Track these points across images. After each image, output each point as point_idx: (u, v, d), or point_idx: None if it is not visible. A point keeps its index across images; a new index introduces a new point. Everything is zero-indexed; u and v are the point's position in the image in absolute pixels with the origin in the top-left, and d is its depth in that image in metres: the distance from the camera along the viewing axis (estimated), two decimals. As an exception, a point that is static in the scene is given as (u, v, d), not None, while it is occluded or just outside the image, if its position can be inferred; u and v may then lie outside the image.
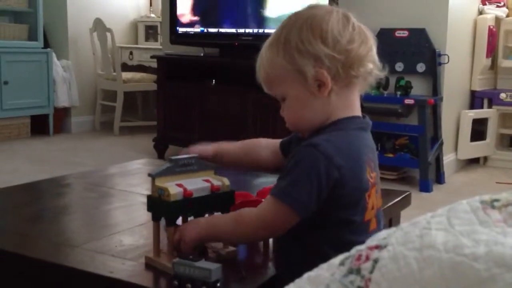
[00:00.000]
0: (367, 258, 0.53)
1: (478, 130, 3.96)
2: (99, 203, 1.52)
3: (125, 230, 1.26)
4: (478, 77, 4.02)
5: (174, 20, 4.07)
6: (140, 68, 5.48)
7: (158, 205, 1.04)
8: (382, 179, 1.09)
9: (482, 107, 4.04)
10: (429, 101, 3.34)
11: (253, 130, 3.65)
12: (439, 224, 0.52)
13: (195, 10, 4.02)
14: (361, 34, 1.01)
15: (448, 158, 3.72)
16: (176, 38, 4.09)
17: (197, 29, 4.00)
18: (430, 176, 3.39)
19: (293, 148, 1.07)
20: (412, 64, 3.47)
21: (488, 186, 3.48)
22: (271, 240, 1.19)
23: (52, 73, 4.92)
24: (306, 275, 0.57)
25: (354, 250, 0.56)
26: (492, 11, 4.03)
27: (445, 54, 3.44)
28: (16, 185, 1.73)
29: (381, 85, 3.43)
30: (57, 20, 5.16)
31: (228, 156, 1.20)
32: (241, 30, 3.83)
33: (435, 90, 3.47)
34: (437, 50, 3.42)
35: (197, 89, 3.89)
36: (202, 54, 4.11)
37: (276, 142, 1.20)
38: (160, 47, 4.92)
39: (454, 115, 3.84)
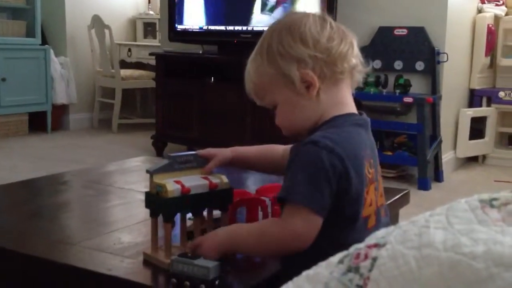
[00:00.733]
0: (366, 257, 0.53)
1: (477, 129, 3.96)
2: (98, 200, 1.52)
3: (124, 227, 1.26)
4: (477, 75, 4.02)
5: (172, 17, 4.06)
6: (138, 65, 5.47)
7: (156, 201, 1.04)
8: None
9: (481, 106, 4.04)
10: (428, 100, 3.34)
11: (251, 127, 3.65)
12: (438, 223, 0.52)
13: (194, 7, 4.01)
14: (339, 33, 1.03)
15: (446, 157, 3.72)
16: (175, 36, 4.08)
17: (196, 26, 4.00)
18: (429, 174, 3.39)
19: None
20: (411, 62, 3.47)
21: (487, 185, 3.49)
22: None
23: (50, 70, 4.91)
24: (304, 273, 0.57)
25: (353, 249, 0.56)
26: (491, 10, 4.03)
27: (444, 53, 3.44)
28: (14, 182, 1.73)
29: (380, 83, 3.43)
30: (55, 16, 5.15)
31: (245, 159, 1.20)
32: (240, 28, 3.82)
33: (434, 88, 3.47)
34: (436, 49, 3.42)
35: (196, 86, 3.89)
36: (200, 52, 4.10)
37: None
38: (159, 44, 4.91)
39: (453, 113, 3.84)
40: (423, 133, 3.34)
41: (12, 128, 4.76)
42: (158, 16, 5.13)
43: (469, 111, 3.93)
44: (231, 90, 3.74)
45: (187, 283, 0.93)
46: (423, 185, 3.34)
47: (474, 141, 3.94)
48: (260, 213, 1.24)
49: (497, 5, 4.09)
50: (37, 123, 4.89)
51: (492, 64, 4.19)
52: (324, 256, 0.61)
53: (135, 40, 5.78)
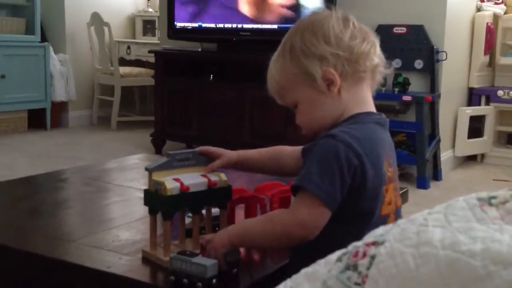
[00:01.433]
0: (364, 255, 0.53)
1: (476, 127, 3.96)
2: (96, 198, 1.52)
3: (122, 225, 1.26)
4: (476, 74, 4.02)
5: (171, 15, 4.06)
6: (137, 62, 5.47)
7: (154, 199, 1.04)
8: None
9: (479, 104, 4.04)
10: (427, 98, 3.34)
11: (250, 125, 3.65)
12: (436, 221, 0.52)
13: (193, 5, 4.01)
14: (362, 32, 1.04)
15: (445, 155, 3.72)
16: (174, 33, 4.08)
17: (195, 24, 3.99)
18: (427, 173, 3.39)
19: None
20: (410, 60, 3.47)
21: (485, 183, 3.49)
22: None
23: (50, 67, 4.91)
24: (303, 271, 0.57)
25: (351, 246, 0.56)
26: (490, 8, 4.03)
27: (443, 51, 3.44)
28: (13, 179, 1.73)
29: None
30: (55, 14, 5.15)
31: (251, 162, 1.20)
32: (239, 26, 3.82)
33: (433, 87, 3.48)
34: (435, 47, 3.42)
35: (195, 84, 3.89)
36: (200, 49, 4.10)
37: (299, 148, 1.19)
38: (158, 42, 4.91)
39: (452, 112, 3.84)
40: (422, 132, 3.34)
41: (11, 125, 4.76)
42: (157, 14, 5.12)
43: (468, 109, 3.93)
44: (230, 87, 3.74)
45: (185, 280, 0.94)
46: (422, 184, 3.34)
47: (473, 140, 3.94)
48: (259, 211, 1.24)
49: (496, 3, 4.09)
50: (36, 120, 4.89)
51: (491, 63, 4.19)
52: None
53: (134, 37, 5.77)
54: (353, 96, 1.03)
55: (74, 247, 1.13)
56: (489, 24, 3.99)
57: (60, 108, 5.11)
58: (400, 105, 3.41)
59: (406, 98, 3.37)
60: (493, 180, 3.59)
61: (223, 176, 1.10)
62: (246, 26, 3.80)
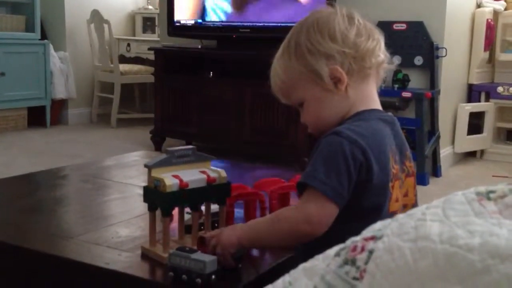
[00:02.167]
0: (363, 249, 0.53)
1: (475, 124, 3.96)
2: (96, 194, 1.52)
3: (122, 221, 1.26)
4: (476, 70, 4.02)
5: (171, 12, 4.05)
6: (137, 60, 5.46)
7: (153, 195, 1.04)
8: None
9: (479, 101, 4.04)
10: (427, 94, 3.34)
11: (250, 122, 3.64)
12: (434, 215, 0.52)
13: (193, 2, 4.00)
14: (367, 29, 1.04)
15: (445, 152, 3.72)
16: (174, 30, 4.07)
17: (195, 21, 3.99)
18: (427, 169, 3.39)
19: None
20: (409, 57, 3.47)
21: (485, 180, 3.49)
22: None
23: (49, 65, 4.90)
24: (301, 266, 0.57)
25: (350, 241, 0.56)
26: (490, 5, 4.02)
27: (442, 47, 3.44)
28: (13, 177, 1.73)
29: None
30: (55, 11, 5.14)
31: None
32: (239, 23, 3.82)
33: (433, 83, 3.47)
34: (435, 43, 3.42)
35: (195, 81, 3.89)
36: (200, 47, 4.09)
37: None
38: (158, 39, 4.90)
39: (451, 108, 3.84)
40: (421, 128, 3.34)
41: (11, 122, 4.76)
42: (157, 11, 5.11)
43: (467, 106, 3.93)
44: (230, 85, 3.73)
45: (185, 277, 0.94)
46: (421, 180, 3.34)
47: (472, 136, 3.94)
48: (258, 207, 1.24)
49: (496, 0, 4.09)
50: (36, 117, 4.89)
51: (491, 59, 4.19)
52: None
53: (134, 35, 5.77)
54: (359, 93, 1.03)
55: (74, 244, 1.13)
56: (489, 20, 3.98)
57: (60, 105, 5.11)
58: (400, 102, 3.41)
59: (406, 94, 3.36)
60: (493, 176, 3.59)
61: (222, 173, 1.10)
62: (246, 23, 3.80)
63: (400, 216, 0.56)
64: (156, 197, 1.04)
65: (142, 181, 1.50)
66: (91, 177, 1.65)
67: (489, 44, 4.04)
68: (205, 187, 1.07)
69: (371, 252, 0.52)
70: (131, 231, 1.20)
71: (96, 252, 1.09)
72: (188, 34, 4.07)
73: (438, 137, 3.55)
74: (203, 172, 1.08)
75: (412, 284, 0.47)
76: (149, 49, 4.23)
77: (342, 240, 0.91)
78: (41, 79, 4.85)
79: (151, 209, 1.07)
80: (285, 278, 0.57)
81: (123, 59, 5.40)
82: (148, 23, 5.74)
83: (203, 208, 1.12)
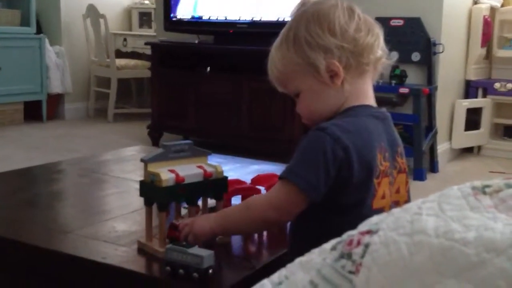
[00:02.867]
0: (359, 243, 0.53)
1: (473, 120, 3.97)
2: (93, 189, 1.52)
3: (119, 216, 1.26)
4: (473, 66, 4.02)
5: (168, 6, 4.04)
6: (134, 55, 5.45)
7: (150, 190, 1.04)
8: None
9: (476, 97, 4.04)
10: (424, 90, 3.34)
11: (247, 117, 3.64)
12: (430, 209, 0.52)
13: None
14: (367, 24, 1.04)
15: (442, 147, 3.73)
16: (170, 25, 4.06)
17: (192, 16, 3.98)
18: (424, 165, 3.40)
19: None
20: (407, 53, 3.47)
21: (482, 175, 3.50)
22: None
23: (45, 59, 4.88)
24: (297, 260, 0.57)
25: (346, 235, 0.56)
26: (487, 1, 4.02)
27: (440, 44, 3.44)
28: (10, 171, 1.73)
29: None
30: (50, 5, 5.12)
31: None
32: (236, 18, 3.81)
33: (430, 79, 3.47)
34: (432, 39, 3.42)
35: (192, 76, 3.88)
36: (196, 42, 4.09)
37: None
38: (154, 34, 4.89)
39: (449, 104, 3.84)
40: (418, 124, 3.35)
41: (7, 117, 4.75)
42: (154, 6, 5.10)
43: (464, 102, 3.94)
44: (227, 80, 3.73)
45: (181, 271, 0.94)
46: (419, 176, 3.35)
47: (470, 132, 3.94)
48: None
49: (493, -4, 4.09)
50: (32, 112, 4.88)
51: (488, 55, 4.19)
52: None
53: (130, 29, 5.75)
54: (355, 88, 1.03)
55: (70, 238, 1.13)
56: (486, 16, 3.98)
57: (56, 100, 5.10)
58: (397, 98, 3.41)
59: (403, 90, 3.36)
60: (490, 172, 3.59)
61: (219, 168, 1.10)
62: (243, 18, 3.79)
63: (396, 210, 0.56)
64: (152, 192, 1.04)
65: (139, 176, 1.50)
66: (88, 172, 1.65)
67: (486, 40, 4.04)
68: (201, 182, 1.07)
69: (367, 246, 0.52)
70: (127, 225, 1.20)
71: (93, 247, 1.09)
72: (185, 29, 4.06)
73: (436, 133, 3.56)
74: (200, 167, 1.08)
75: (408, 278, 0.48)
76: (146, 44, 4.22)
77: (328, 234, 0.93)
78: (37, 73, 4.83)
79: (148, 203, 1.06)
80: (281, 272, 0.57)
81: (119, 54, 5.39)
82: (145, 18, 5.72)
83: (200, 203, 1.12)
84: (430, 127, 3.52)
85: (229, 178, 1.14)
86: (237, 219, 1.02)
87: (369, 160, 0.98)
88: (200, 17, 3.95)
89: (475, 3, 4.01)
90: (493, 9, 4.09)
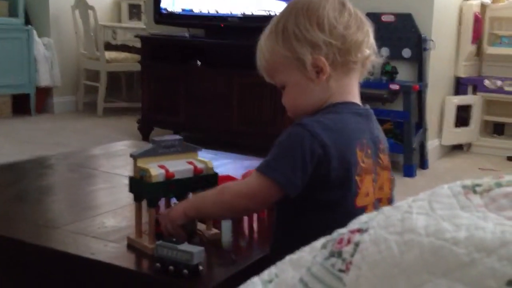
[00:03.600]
0: (349, 242, 0.53)
1: (462, 117, 3.98)
2: (82, 184, 1.51)
3: (108, 211, 1.26)
4: (463, 63, 4.03)
5: (158, -1, 4.02)
6: (124, 47, 5.40)
7: (139, 186, 1.04)
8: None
9: (466, 94, 4.06)
10: (414, 87, 3.35)
11: (238, 111, 3.64)
12: (420, 208, 0.52)
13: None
14: (357, 20, 1.03)
15: (432, 144, 3.74)
16: (160, 18, 4.04)
17: (182, 9, 3.96)
18: (414, 162, 3.41)
19: None
20: (398, 49, 3.47)
21: (471, 172, 3.52)
22: (256, 224, 1.19)
23: (34, 51, 4.83)
24: (288, 258, 0.57)
25: (336, 234, 0.56)
26: (478, -2, 4.04)
27: (431, 40, 3.44)
28: (-3, 165, 1.71)
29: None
30: (39, -3, 5.06)
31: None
32: (227, 12, 3.79)
33: (421, 76, 3.48)
34: (423, 36, 3.42)
35: (182, 70, 3.86)
36: (187, 35, 4.07)
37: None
38: (144, 26, 4.86)
39: (439, 101, 3.85)
40: (409, 121, 3.36)
41: (-5, 110, 4.71)
42: (144, -2, 5.07)
43: (454, 99, 3.95)
44: (218, 74, 3.72)
45: (171, 267, 0.93)
46: (409, 172, 3.36)
47: (460, 129, 3.96)
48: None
49: (484, -7, 4.10)
50: (20, 105, 4.83)
51: (479, 52, 4.21)
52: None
53: (120, 21, 5.71)
54: (340, 86, 1.03)
55: (59, 234, 1.13)
56: (477, 13, 4.00)
57: (44, 93, 5.05)
58: (388, 94, 3.42)
59: (394, 87, 3.37)
60: (479, 169, 3.61)
61: (209, 163, 1.09)
62: (234, 12, 3.78)
63: (386, 209, 0.56)
64: (142, 188, 1.03)
65: (129, 171, 1.49)
66: (77, 167, 1.64)
67: (477, 37, 4.05)
68: (191, 177, 1.06)
69: (357, 244, 0.52)
70: (117, 221, 1.20)
71: (82, 243, 1.08)
72: (175, 22, 4.04)
73: (426, 129, 3.57)
74: (190, 162, 1.08)
75: (398, 277, 0.48)
76: (136, 36, 4.19)
77: (309, 232, 0.94)
78: (25, 65, 4.78)
79: (137, 199, 1.06)
80: (271, 270, 0.57)
81: (109, 47, 5.35)
82: (134, 10, 5.68)
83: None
84: (420, 124, 3.53)
85: (220, 174, 1.13)
86: (211, 203, 1.03)
87: (348, 158, 0.98)
88: (191, 10, 3.93)
89: None
90: (483, 6, 4.10)
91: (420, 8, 3.45)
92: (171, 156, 1.07)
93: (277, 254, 1.02)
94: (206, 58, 3.86)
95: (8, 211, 1.27)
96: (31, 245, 1.09)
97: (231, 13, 3.78)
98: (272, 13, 3.56)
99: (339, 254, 0.53)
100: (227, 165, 1.62)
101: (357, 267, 0.50)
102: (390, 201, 1.07)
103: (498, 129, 4.20)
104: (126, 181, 1.08)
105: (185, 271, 0.92)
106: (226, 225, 1.07)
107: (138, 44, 4.34)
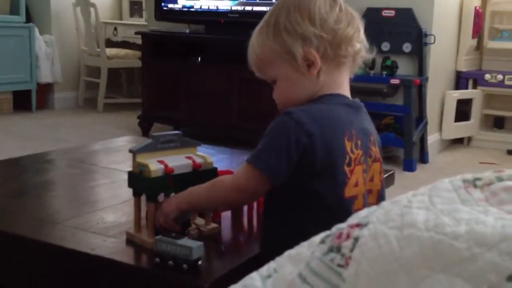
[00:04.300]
0: (348, 236, 0.52)
1: (463, 111, 3.98)
2: (82, 179, 1.50)
3: (108, 207, 1.26)
4: (464, 57, 4.03)
5: (159, -5, 4.01)
6: (124, 44, 5.40)
7: (138, 181, 1.04)
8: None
9: (467, 88, 4.05)
10: (415, 81, 3.34)
11: (238, 107, 3.63)
12: (420, 202, 0.52)
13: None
14: (348, 15, 1.04)
15: (432, 138, 3.74)
16: (161, 14, 4.03)
17: (183, 5, 3.95)
18: (414, 156, 3.41)
19: None
20: (398, 44, 3.46)
21: (472, 166, 3.51)
22: (255, 218, 1.19)
23: (35, 48, 4.83)
24: (286, 253, 0.56)
25: (335, 228, 0.55)
26: (479, -8, 4.02)
27: (431, 35, 3.44)
28: (-2, 161, 1.71)
29: (367, 64, 3.42)
30: (40, -6, 5.06)
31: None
32: (227, 7, 3.78)
33: (421, 70, 3.48)
34: (423, 30, 3.41)
35: (183, 66, 3.86)
36: (187, 31, 4.06)
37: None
38: (145, 23, 4.85)
39: (439, 95, 3.85)
40: (409, 115, 3.35)
41: (-4, 106, 4.70)
42: (145, -5, 5.06)
43: (455, 93, 3.94)
44: (218, 69, 3.71)
45: (171, 262, 0.93)
46: (409, 166, 3.36)
47: (460, 123, 3.95)
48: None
49: (485, -13, 4.09)
50: (21, 102, 4.83)
51: (479, 46, 4.20)
52: (306, 236, 0.61)
53: (121, 18, 5.70)
54: (331, 79, 1.03)
55: (59, 229, 1.12)
56: (477, 7, 3.99)
57: (45, 89, 5.05)
58: (388, 88, 3.41)
59: (394, 81, 3.36)
60: (480, 163, 3.61)
61: (208, 158, 1.09)
62: (234, 7, 3.77)
63: (385, 203, 0.56)
64: (141, 183, 1.03)
65: (128, 166, 1.49)
66: (77, 162, 1.64)
67: (477, 31, 4.04)
68: (190, 172, 1.06)
69: (356, 239, 0.52)
70: (116, 216, 1.19)
71: (82, 238, 1.08)
72: (176, 18, 4.03)
73: (426, 123, 3.57)
74: (189, 157, 1.07)
75: (397, 272, 0.47)
76: (136, 33, 4.19)
77: (297, 222, 0.96)
78: (26, 62, 4.78)
79: (136, 194, 1.06)
80: (271, 265, 0.57)
81: (110, 43, 5.35)
82: (135, 7, 5.68)
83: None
84: (421, 118, 3.52)
85: (219, 169, 1.13)
86: (203, 197, 1.04)
87: (335, 147, 0.98)
88: (192, 6, 3.93)
89: (467, -6, 4.01)
90: (484, 0, 4.09)
91: (420, 3, 3.44)
92: (170, 151, 1.07)
93: (267, 246, 1.02)
94: (206, 54, 3.85)
95: (9, 206, 1.26)
96: (31, 240, 1.09)
97: (231, 8, 3.77)
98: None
99: (338, 249, 0.52)
100: (226, 160, 1.62)
101: (356, 262, 0.50)
102: (380, 193, 1.07)
103: (498, 123, 4.20)
104: (126, 176, 1.08)
105: (184, 265, 0.92)
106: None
107: (139, 40, 4.33)
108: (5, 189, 1.40)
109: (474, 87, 4.06)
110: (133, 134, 3.73)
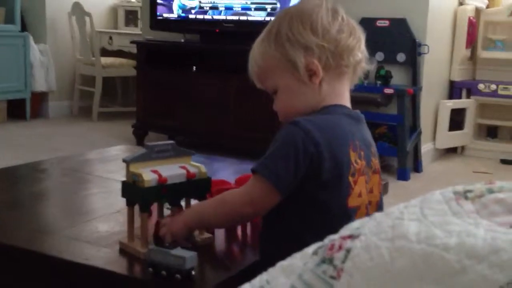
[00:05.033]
0: (340, 248, 0.53)
1: (456, 120, 3.99)
2: (76, 189, 1.50)
3: (101, 216, 1.25)
4: (458, 67, 4.05)
5: (154, 5, 4.02)
6: (119, 53, 5.41)
7: (132, 191, 1.03)
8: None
9: (460, 97, 4.07)
10: (409, 91, 3.35)
11: (233, 117, 3.63)
12: (412, 214, 0.52)
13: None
14: (349, 26, 1.05)
15: (426, 147, 3.75)
16: (156, 24, 4.04)
17: (178, 14, 3.96)
18: (408, 165, 3.42)
19: None
20: (392, 53, 3.48)
21: (465, 175, 3.52)
22: (249, 227, 1.19)
23: (30, 57, 4.83)
24: (279, 264, 0.57)
25: (327, 240, 0.56)
26: (472, 2, 4.05)
27: (425, 44, 3.46)
28: (-9, 170, 1.70)
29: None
30: (35, 3, 5.06)
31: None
32: (223, 17, 3.80)
33: (415, 80, 3.49)
34: (417, 40, 3.43)
35: (178, 75, 3.86)
36: (182, 40, 4.07)
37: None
38: (140, 32, 4.86)
39: (433, 105, 3.86)
40: (403, 124, 3.36)
41: (-10, 115, 4.69)
42: (140, 4, 5.07)
43: (449, 102, 3.96)
44: (213, 79, 3.72)
45: (164, 272, 0.93)
46: (403, 176, 3.36)
47: (454, 132, 3.97)
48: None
49: (478, -3, 4.11)
50: (16, 110, 4.82)
51: (473, 56, 4.22)
52: (305, 244, 0.61)
53: (116, 28, 5.71)
54: (332, 89, 1.04)
55: (53, 240, 1.12)
56: (471, 17, 4.01)
57: (40, 98, 5.04)
58: (382, 98, 3.42)
59: (388, 91, 3.38)
60: (473, 172, 3.62)
61: (202, 168, 1.09)
62: (229, 17, 3.78)
63: (377, 215, 0.56)
64: (135, 192, 1.03)
65: (123, 176, 1.49)
66: (72, 171, 1.64)
67: (471, 41, 4.07)
68: (184, 182, 1.06)
69: (348, 250, 0.52)
70: (110, 226, 1.19)
71: (76, 248, 1.08)
72: (171, 28, 4.04)
73: (420, 133, 3.58)
74: (183, 167, 1.07)
75: (389, 283, 0.47)
76: (132, 42, 4.19)
77: (300, 232, 0.95)
78: (21, 71, 4.78)
79: (130, 204, 1.05)
80: (263, 277, 0.57)
81: (105, 52, 5.35)
82: (130, 16, 5.69)
83: (183, 203, 1.11)
84: (414, 127, 3.54)
85: (213, 178, 1.13)
86: (212, 215, 1.03)
87: (341, 157, 0.98)
88: (187, 16, 3.94)
89: (460, 4, 4.04)
90: (478, 10, 4.12)
91: (414, 13, 3.46)
92: (164, 161, 1.07)
93: (265, 255, 1.02)
94: (201, 63, 3.86)
95: (2, 216, 1.26)
96: (25, 251, 1.08)
97: (226, 18, 3.78)
98: (267, 19, 3.56)
99: (330, 261, 0.52)
100: (220, 169, 1.62)
101: (348, 273, 0.50)
102: (379, 204, 1.07)
103: (491, 132, 4.22)
104: (120, 186, 1.08)
105: (178, 275, 0.92)
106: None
107: (134, 49, 4.34)
108: (-2, 198, 1.39)
109: (468, 96, 4.08)
110: (128, 143, 3.72)
